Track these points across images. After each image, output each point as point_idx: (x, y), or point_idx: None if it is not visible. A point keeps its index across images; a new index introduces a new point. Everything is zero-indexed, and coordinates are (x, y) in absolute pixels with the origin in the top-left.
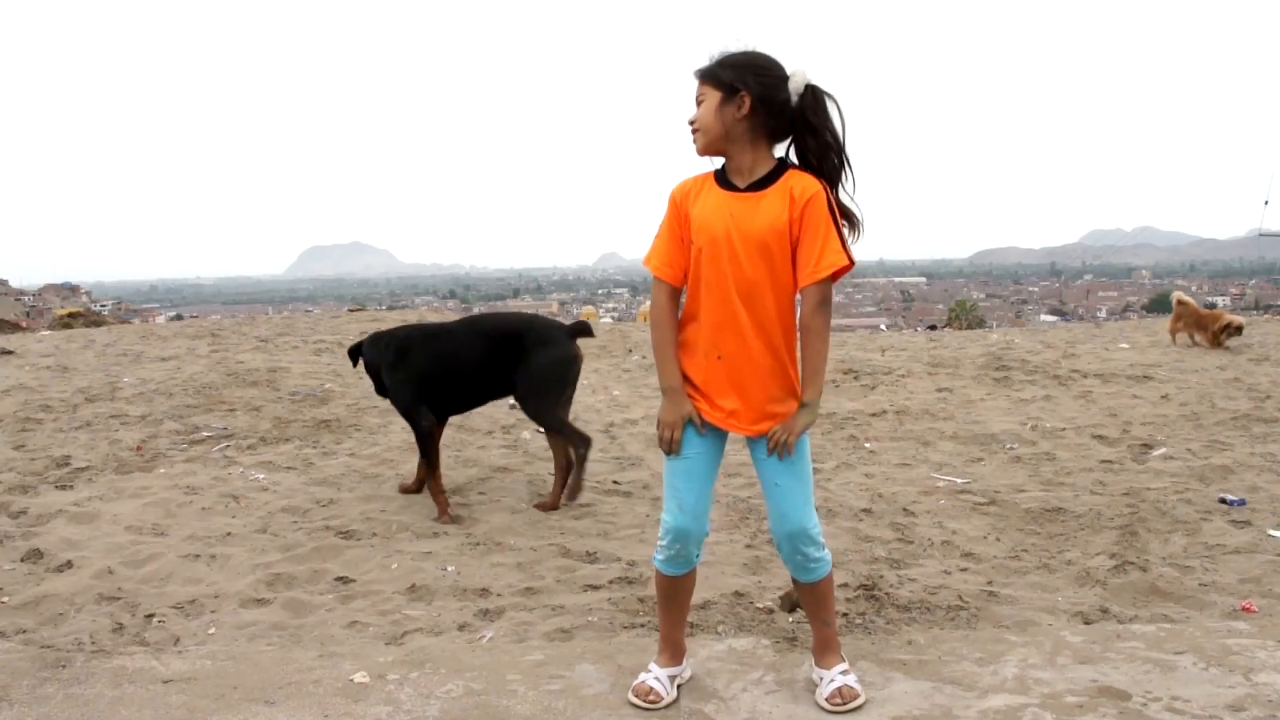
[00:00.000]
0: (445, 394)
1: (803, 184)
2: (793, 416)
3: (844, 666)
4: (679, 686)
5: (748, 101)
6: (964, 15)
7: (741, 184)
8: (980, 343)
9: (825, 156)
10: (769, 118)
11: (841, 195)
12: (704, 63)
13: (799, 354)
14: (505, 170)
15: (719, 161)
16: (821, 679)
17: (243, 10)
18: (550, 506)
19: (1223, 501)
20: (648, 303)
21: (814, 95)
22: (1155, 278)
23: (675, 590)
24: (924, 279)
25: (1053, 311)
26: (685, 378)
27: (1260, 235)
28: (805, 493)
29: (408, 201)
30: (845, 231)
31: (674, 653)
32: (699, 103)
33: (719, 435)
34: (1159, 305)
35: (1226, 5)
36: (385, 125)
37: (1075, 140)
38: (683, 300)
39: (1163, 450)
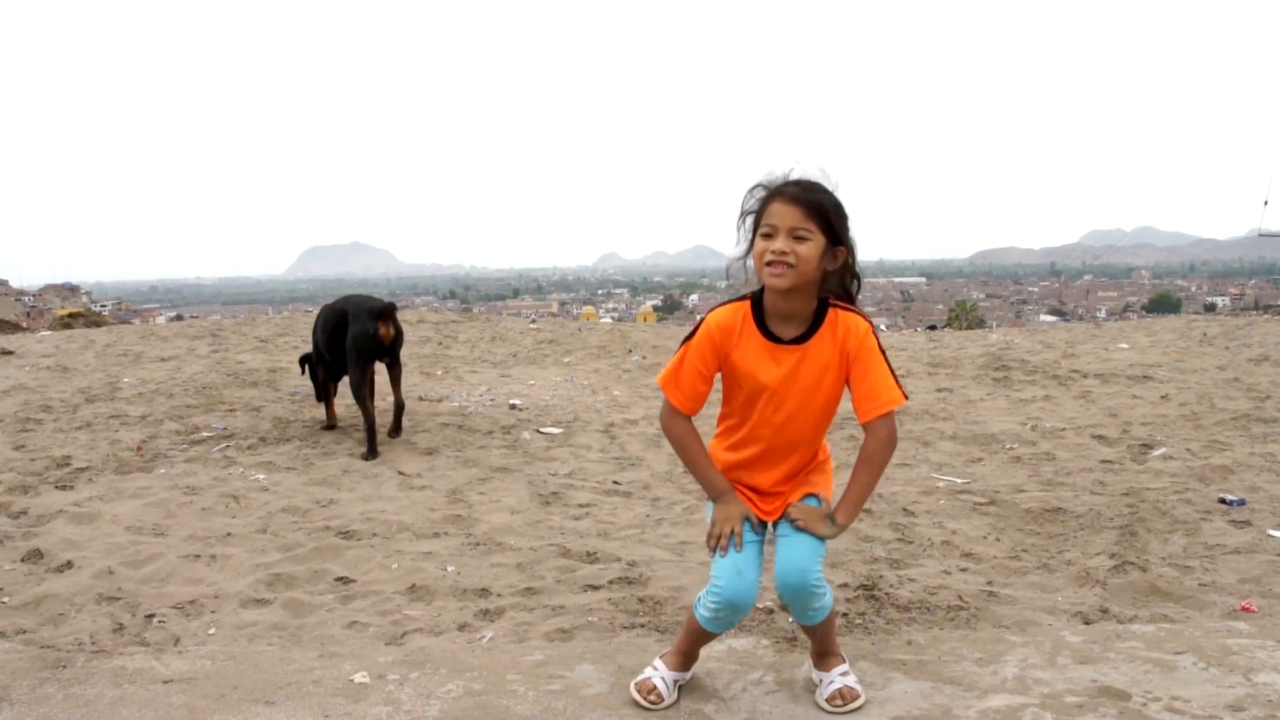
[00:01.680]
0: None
1: (850, 325)
2: (820, 519)
3: (844, 668)
4: (679, 688)
5: (843, 257)
6: (964, 15)
7: (786, 335)
8: (980, 343)
9: (854, 283)
10: (838, 271)
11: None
12: (785, 183)
13: (841, 469)
14: (505, 170)
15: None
16: (821, 680)
17: (243, 10)
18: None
19: (1223, 501)
20: (647, 304)
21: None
22: (1155, 278)
23: (707, 636)
24: (924, 279)
25: (1052, 311)
26: (733, 483)
27: (1260, 235)
28: (816, 547)
29: (408, 201)
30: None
31: (685, 661)
32: (796, 236)
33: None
34: (1159, 305)
35: (1226, 5)
36: (385, 125)
37: (1075, 140)
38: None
39: (1163, 450)
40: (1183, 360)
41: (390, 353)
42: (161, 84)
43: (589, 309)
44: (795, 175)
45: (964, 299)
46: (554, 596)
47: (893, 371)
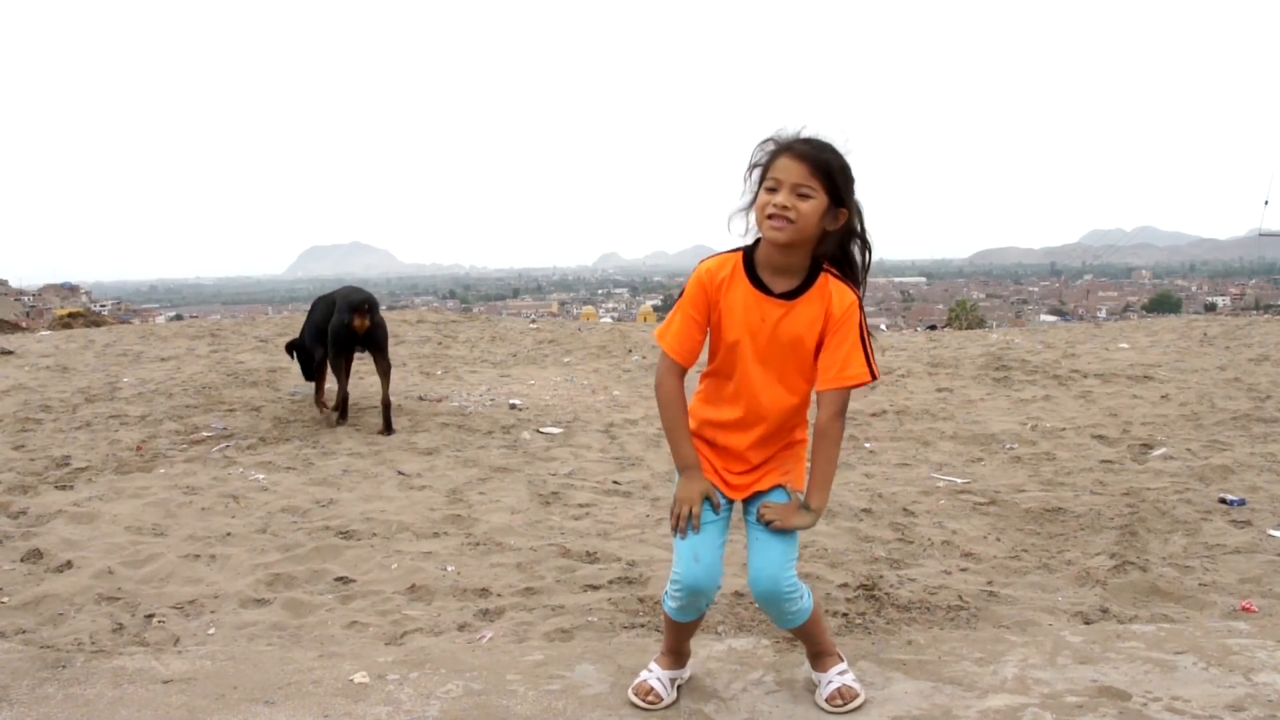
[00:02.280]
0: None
1: (840, 295)
2: (794, 512)
3: (842, 667)
4: (678, 688)
5: (844, 220)
6: (964, 14)
7: (777, 288)
8: (980, 343)
9: (860, 256)
10: (844, 238)
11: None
12: (795, 139)
13: (809, 453)
14: (505, 170)
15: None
16: (820, 680)
17: (243, 10)
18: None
19: (1223, 501)
20: (647, 303)
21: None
22: (1155, 278)
23: (684, 627)
24: (924, 279)
25: (1053, 311)
26: (706, 442)
27: (1260, 235)
28: (788, 551)
29: (407, 201)
30: (869, 340)
31: (677, 658)
32: (800, 193)
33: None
34: (1159, 305)
35: (1227, 5)
36: (385, 125)
37: (1075, 140)
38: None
39: (1163, 450)
40: (1183, 360)
41: (367, 344)
42: (161, 83)
43: (589, 309)
44: (806, 134)
45: (964, 299)
46: (554, 596)
47: (869, 352)
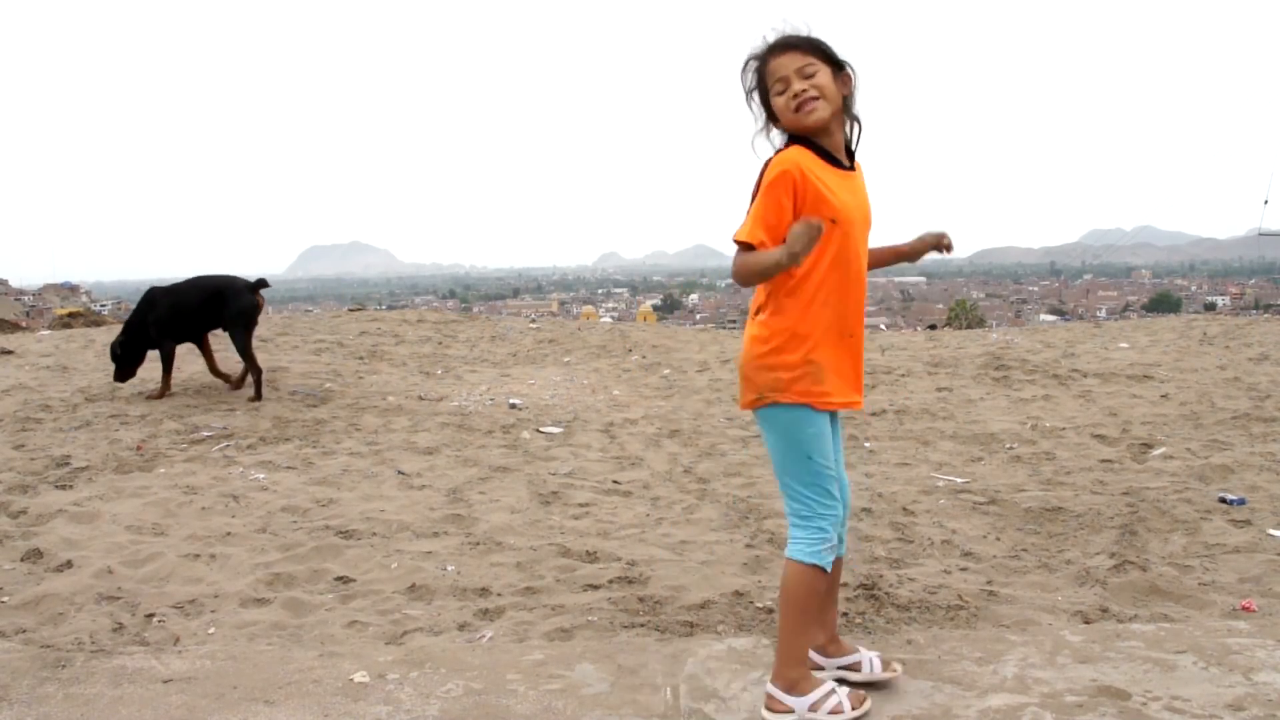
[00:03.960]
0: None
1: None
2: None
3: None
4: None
5: (850, 80)
6: (964, 14)
7: (847, 163)
8: (980, 342)
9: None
10: (852, 98)
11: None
12: (771, 41)
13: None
14: (505, 170)
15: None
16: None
17: (243, 9)
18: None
19: (1223, 501)
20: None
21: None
22: (1155, 277)
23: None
24: (924, 279)
25: (1052, 311)
26: (812, 361)
27: (1260, 235)
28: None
29: (407, 201)
30: None
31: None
32: (806, 74)
33: (835, 420)
34: (1159, 305)
35: (1227, 5)
36: (385, 125)
37: (1075, 140)
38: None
39: (1162, 450)
40: (1183, 359)
41: (248, 322)
42: (161, 83)
43: (589, 308)
44: (772, 37)
45: (964, 298)
46: (554, 596)
47: None
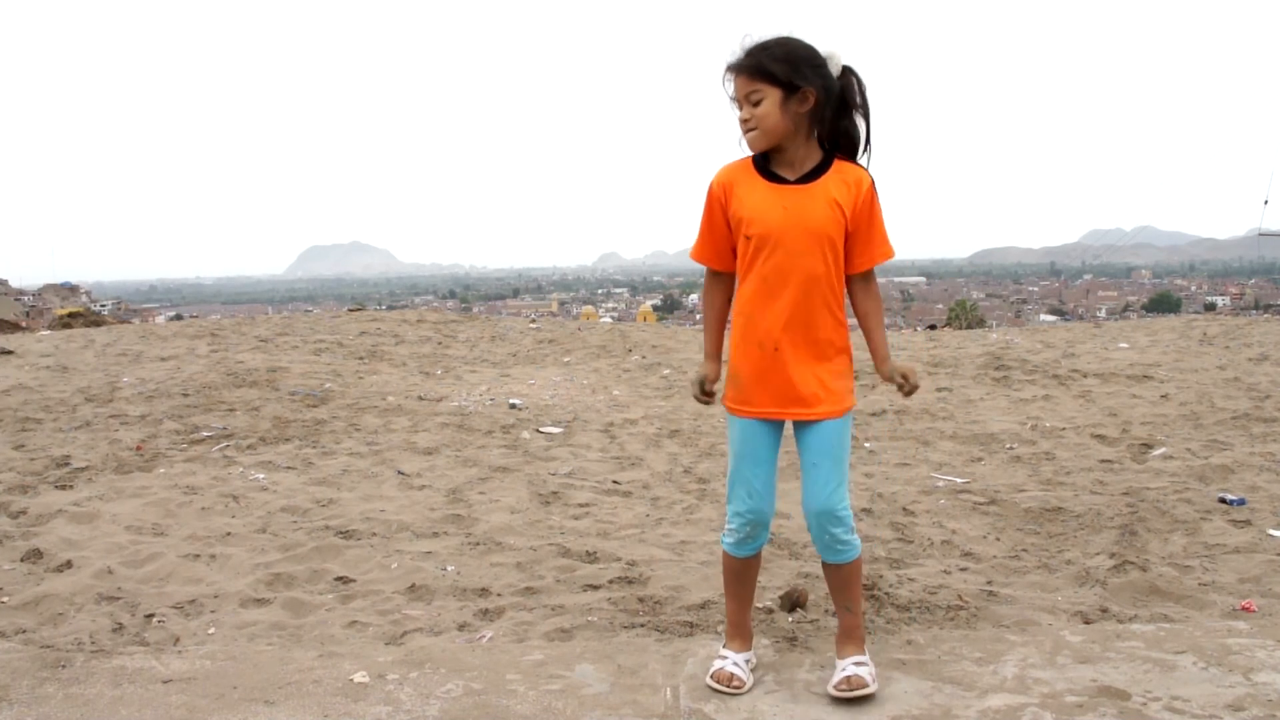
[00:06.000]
0: None
1: (856, 174)
2: (908, 371)
3: (860, 657)
4: (752, 671)
5: (812, 97)
6: (963, 14)
7: (791, 176)
8: (980, 342)
9: (862, 137)
10: (828, 109)
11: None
12: (736, 55)
13: (858, 331)
14: (505, 170)
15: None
16: (837, 666)
17: (243, 9)
18: None
19: (1222, 501)
20: (647, 303)
21: (850, 76)
22: (1155, 277)
23: (746, 571)
24: (924, 279)
25: (1052, 311)
26: (734, 368)
27: (1260, 235)
28: (839, 475)
29: (407, 201)
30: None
31: (745, 638)
32: (752, 100)
33: (779, 424)
34: (1159, 305)
35: (1227, 5)
36: (385, 125)
37: (1075, 140)
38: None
39: (1162, 450)
40: (1183, 360)
41: None
42: (161, 83)
43: (589, 309)
44: (748, 43)
45: (964, 298)
46: (554, 596)
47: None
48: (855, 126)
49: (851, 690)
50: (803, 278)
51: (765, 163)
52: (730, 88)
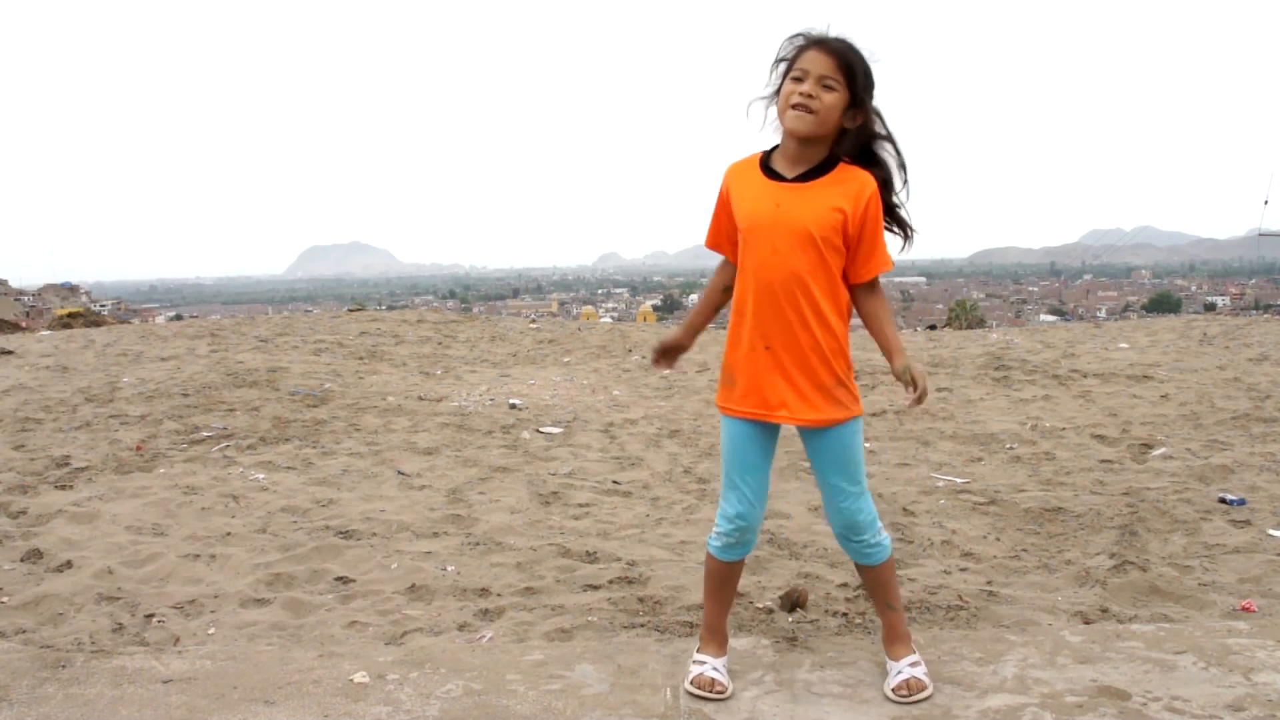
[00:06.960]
0: None
1: (860, 180)
2: (918, 375)
3: (914, 658)
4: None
5: (860, 121)
6: (963, 14)
7: (789, 174)
8: (980, 342)
9: (888, 158)
10: (855, 132)
11: (897, 201)
12: (827, 34)
13: (865, 336)
14: (505, 170)
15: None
16: (890, 669)
17: (243, 9)
18: None
19: (1222, 501)
20: (647, 303)
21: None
22: (1155, 277)
23: (729, 576)
24: (924, 279)
25: (1052, 311)
26: (726, 366)
27: (1260, 235)
28: (856, 486)
29: (407, 201)
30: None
31: (721, 642)
32: (824, 84)
33: (771, 428)
34: (1159, 305)
35: (1227, 5)
36: (385, 125)
37: (1075, 140)
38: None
39: (1162, 450)
40: (1183, 360)
41: None
42: (161, 83)
43: (589, 309)
44: (834, 33)
45: (964, 299)
46: (554, 596)
47: (884, 241)
48: (886, 152)
49: (911, 695)
50: (791, 276)
51: (769, 160)
52: (806, 60)
